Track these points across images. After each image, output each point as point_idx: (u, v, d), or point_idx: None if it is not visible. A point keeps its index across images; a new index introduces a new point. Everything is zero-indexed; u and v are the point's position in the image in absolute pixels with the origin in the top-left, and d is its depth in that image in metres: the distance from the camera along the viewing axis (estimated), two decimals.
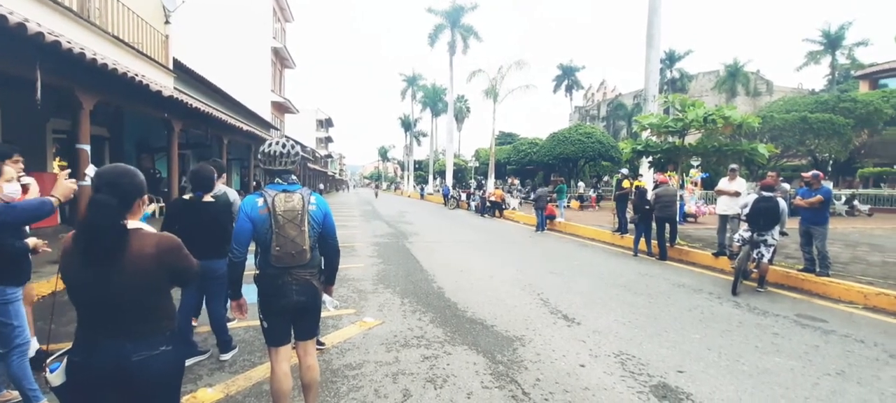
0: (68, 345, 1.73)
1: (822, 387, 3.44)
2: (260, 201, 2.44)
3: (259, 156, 2.57)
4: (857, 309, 5.66)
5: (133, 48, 9.64)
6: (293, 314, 2.58)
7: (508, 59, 38.15)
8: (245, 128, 14.81)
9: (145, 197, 1.85)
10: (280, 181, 2.50)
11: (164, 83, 10.73)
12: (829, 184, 11.54)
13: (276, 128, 27.79)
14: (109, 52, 8.25)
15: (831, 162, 24.33)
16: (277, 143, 2.52)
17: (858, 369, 3.80)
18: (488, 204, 20.33)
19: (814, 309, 5.62)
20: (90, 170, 3.35)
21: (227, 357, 3.77)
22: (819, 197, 6.74)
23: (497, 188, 25.26)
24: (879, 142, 23.11)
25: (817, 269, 6.70)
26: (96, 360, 1.64)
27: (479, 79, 29.91)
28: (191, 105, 9.53)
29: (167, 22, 11.84)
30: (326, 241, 2.64)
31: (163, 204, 9.66)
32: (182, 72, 13.22)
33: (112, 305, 1.64)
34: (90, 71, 6.10)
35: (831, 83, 38.52)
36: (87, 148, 6.55)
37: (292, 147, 2.54)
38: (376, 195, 42.06)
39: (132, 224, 1.73)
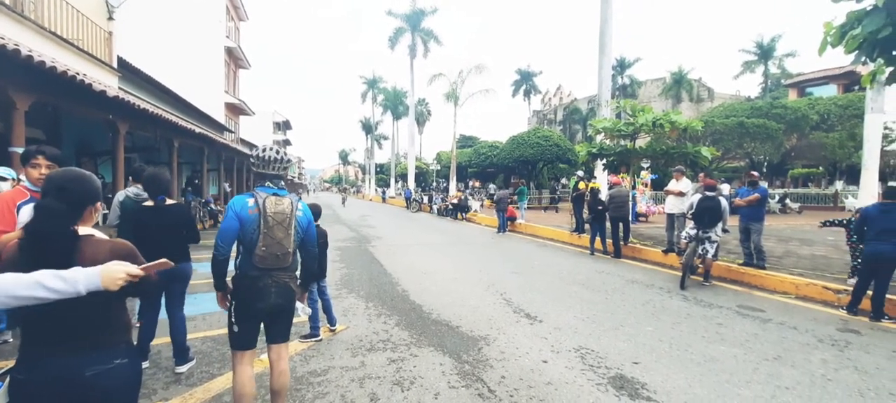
0: (11, 363, 1.63)
1: (761, 371, 3.74)
2: (251, 201, 2.51)
3: (252, 160, 2.63)
4: (790, 299, 6.17)
5: (73, 45, 9.02)
6: (268, 317, 2.61)
7: (469, 64, 38.67)
8: (197, 130, 14.15)
9: (98, 203, 1.76)
10: (270, 185, 2.59)
11: (108, 82, 10.10)
12: (764, 184, 12.47)
13: (230, 131, 26.75)
14: (47, 49, 7.68)
15: (766, 163, 26.24)
16: (271, 149, 2.62)
17: (792, 353, 4.15)
18: (450, 206, 20.50)
19: (753, 300, 6.07)
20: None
21: (183, 369, 3.62)
22: (756, 194, 7.31)
23: (458, 190, 25.46)
24: (807, 146, 25.14)
25: (755, 262, 7.24)
26: (44, 376, 1.55)
27: (439, 83, 30.15)
28: (137, 106, 9.01)
29: (111, 18, 11.15)
30: (307, 248, 2.74)
31: (106, 211, 9.08)
32: (128, 72, 12.48)
33: (63, 317, 1.56)
34: (25, 69, 5.66)
35: (765, 91, 41.64)
36: (21, 151, 6.08)
37: (285, 154, 2.66)
38: (344, 202, 32.82)
39: (84, 230, 1.66)
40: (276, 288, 2.52)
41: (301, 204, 2.66)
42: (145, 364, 3.61)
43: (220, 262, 2.57)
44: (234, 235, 2.50)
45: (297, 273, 2.80)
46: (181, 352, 3.65)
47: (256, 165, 2.59)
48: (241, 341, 2.58)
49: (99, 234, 1.72)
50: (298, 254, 2.76)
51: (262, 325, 2.67)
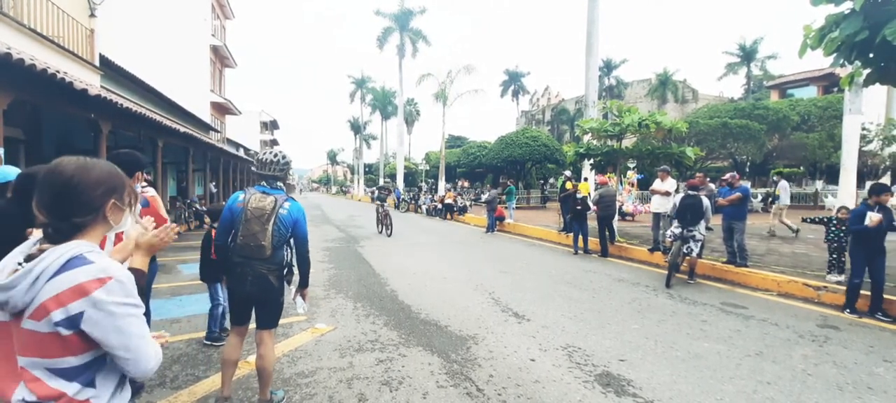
0: None
1: (743, 367, 3.82)
2: (242, 196, 2.83)
3: (253, 162, 3.06)
4: (771, 296, 6.30)
5: (53, 42, 8.82)
6: (249, 303, 2.89)
7: (457, 64, 38.78)
8: (182, 129, 13.94)
9: None
10: (264, 184, 2.88)
11: (90, 81, 9.90)
12: (747, 184, 12.72)
13: (216, 131, 26.40)
14: (25, 46, 7.50)
15: (748, 163, 26.72)
16: (270, 153, 2.93)
17: (774, 349, 4.25)
18: (440, 206, 20.52)
19: (736, 297, 6.19)
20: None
21: None
22: (738, 194, 7.46)
23: (451, 192, 25.49)
24: (788, 146, 25.65)
25: (737, 260, 7.38)
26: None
27: (428, 83, 30.10)
28: (120, 105, 8.85)
29: (93, 15, 10.93)
30: (297, 246, 2.93)
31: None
32: (111, 70, 12.24)
33: None
34: (3, 67, 5.53)
35: (747, 92, 42.39)
36: (0, 151, 5.94)
37: (283, 157, 2.93)
38: (385, 224, 13.70)
39: None
40: (252, 276, 2.77)
41: (289, 204, 2.83)
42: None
43: (217, 248, 2.97)
44: (227, 226, 2.82)
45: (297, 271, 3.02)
46: None
47: (256, 166, 2.92)
48: (231, 317, 2.98)
49: None
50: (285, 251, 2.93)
51: None
